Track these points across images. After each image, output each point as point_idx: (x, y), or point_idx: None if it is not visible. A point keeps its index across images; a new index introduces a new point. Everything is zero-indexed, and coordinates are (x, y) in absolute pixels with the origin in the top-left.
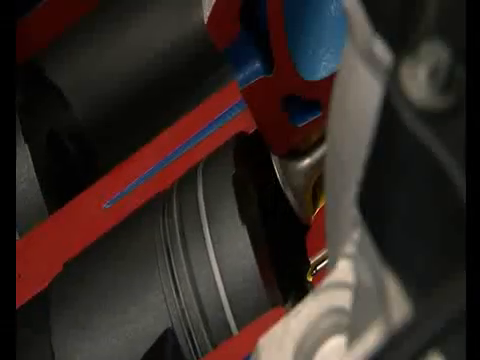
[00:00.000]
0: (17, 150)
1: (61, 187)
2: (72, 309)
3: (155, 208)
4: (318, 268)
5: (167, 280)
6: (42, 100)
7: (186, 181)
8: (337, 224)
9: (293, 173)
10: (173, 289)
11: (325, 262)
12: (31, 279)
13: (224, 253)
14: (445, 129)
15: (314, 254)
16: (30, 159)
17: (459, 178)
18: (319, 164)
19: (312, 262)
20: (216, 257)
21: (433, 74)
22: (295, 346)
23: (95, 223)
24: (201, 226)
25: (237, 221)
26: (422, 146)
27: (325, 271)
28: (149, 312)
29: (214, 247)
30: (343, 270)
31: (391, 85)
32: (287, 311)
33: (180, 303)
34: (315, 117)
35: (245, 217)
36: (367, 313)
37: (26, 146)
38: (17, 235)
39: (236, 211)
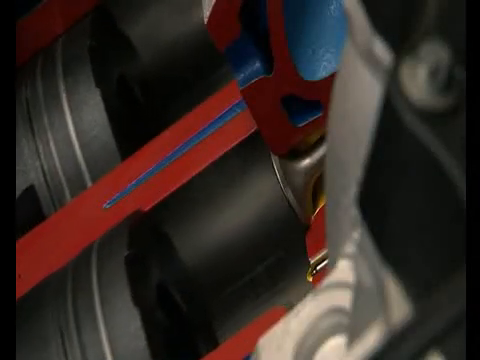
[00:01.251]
0: (88, 95)
1: (132, 132)
2: None
3: (50, 288)
4: (318, 268)
5: None
6: (111, 47)
7: (80, 261)
8: (337, 224)
9: (293, 173)
10: None
11: (325, 262)
12: (31, 279)
13: (116, 334)
14: (445, 129)
15: (314, 254)
16: (102, 104)
17: (459, 178)
18: (319, 164)
19: (312, 262)
20: (108, 338)
21: (433, 74)
22: (295, 346)
23: (95, 223)
24: (93, 308)
25: (129, 303)
26: (422, 146)
27: (325, 271)
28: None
29: (106, 328)
30: (343, 270)
31: (391, 85)
32: (287, 311)
33: None
34: (315, 117)
35: (138, 299)
36: (367, 313)
37: (98, 91)
38: (89, 181)
39: (128, 293)
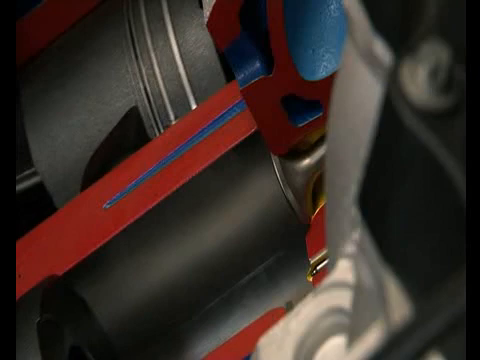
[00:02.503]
0: (192, 15)
1: None
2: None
3: None
4: (318, 268)
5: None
6: None
7: None
8: (337, 224)
9: (293, 173)
10: None
11: (325, 262)
12: (31, 279)
13: None
14: (445, 129)
15: (314, 254)
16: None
17: (459, 178)
18: (319, 164)
19: (312, 262)
20: None
21: (433, 74)
22: (295, 346)
23: (95, 223)
24: None
25: None
26: (422, 146)
27: (325, 271)
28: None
29: None
30: (343, 270)
31: (391, 85)
32: (287, 311)
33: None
34: (315, 117)
35: None
36: (367, 313)
37: (201, 11)
38: (193, 102)
39: (39, 358)
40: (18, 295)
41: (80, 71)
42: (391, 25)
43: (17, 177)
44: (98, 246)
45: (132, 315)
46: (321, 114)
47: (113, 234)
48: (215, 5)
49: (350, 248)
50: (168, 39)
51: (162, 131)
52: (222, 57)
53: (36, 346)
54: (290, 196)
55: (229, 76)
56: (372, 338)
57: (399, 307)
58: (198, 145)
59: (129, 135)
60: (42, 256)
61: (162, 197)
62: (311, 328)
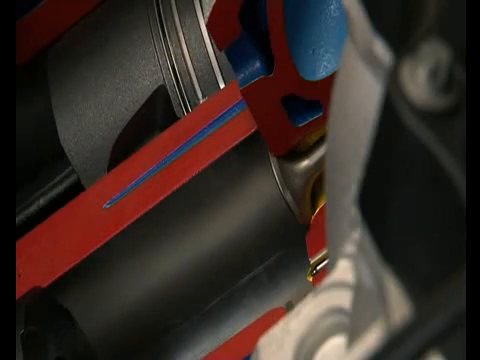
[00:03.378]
0: None
1: None
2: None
3: None
4: (318, 268)
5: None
6: None
7: None
8: (337, 224)
9: (291, 174)
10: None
11: (325, 262)
12: (31, 279)
13: None
14: (445, 129)
15: (314, 254)
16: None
17: (459, 178)
18: (317, 165)
19: (312, 262)
20: None
21: (433, 74)
22: (295, 346)
23: (95, 223)
24: None
25: None
26: (422, 146)
27: (325, 271)
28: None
29: None
30: (343, 270)
31: (391, 85)
32: (287, 311)
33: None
34: (315, 117)
35: None
36: (367, 313)
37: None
38: (222, 82)
39: None
40: (18, 295)
41: (107, 49)
42: (391, 25)
43: (56, 179)
44: (98, 246)
45: (118, 325)
46: (321, 114)
47: (113, 234)
48: (215, 5)
49: (350, 248)
50: (196, 17)
51: (190, 110)
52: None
53: (20, 358)
54: (288, 198)
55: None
56: (372, 338)
57: (399, 307)
58: (198, 145)
59: (157, 114)
60: (42, 256)
61: (162, 197)
62: (311, 328)
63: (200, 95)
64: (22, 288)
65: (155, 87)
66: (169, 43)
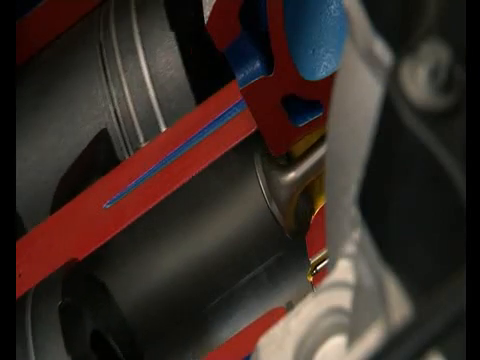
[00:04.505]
0: (163, 37)
1: (208, 74)
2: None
3: None
4: (318, 268)
5: None
6: None
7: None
8: (337, 224)
9: (277, 187)
10: None
11: (325, 262)
12: (31, 279)
13: None
14: (445, 129)
15: (314, 254)
16: (177, 46)
17: (459, 178)
18: (304, 178)
19: (312, 262)
20: None
21: (433, 74)
22: (295, 346)
23: (95, 223)
24: (28, 357)
25: (62, 352)
26: (422, 146)
27: (325, 271)
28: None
29: None
30: (343, 270)
31: (391, 85)
32: (287, 311)
33: None
34: (315, 117)
35: (72, 347)
36: (367, 313)
37: (172, 33)
38: (163, 124)
39: (62, 342)
40: (18, 295)
41: (52, 93)
42: (391, 25)
43: None
44: (98, 246)
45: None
46: (321, 114)
47: (113, 234)
48: (215, 5)
49: (350, 248)
50: (138, 61)
51: (132, 153)
52: (192, 79)
53: (58, 330)
54: (275, 209)
55: (199, 98)
56: (372, 338)
57: (399, 307)
58: (198, 145)
59: (99, 157)
60: (42, 256)
61: (162, 197)
62: (311, 328)
63: (141, 138)
64: (22, 288)
65: (98, 131)
66: (112, 87)
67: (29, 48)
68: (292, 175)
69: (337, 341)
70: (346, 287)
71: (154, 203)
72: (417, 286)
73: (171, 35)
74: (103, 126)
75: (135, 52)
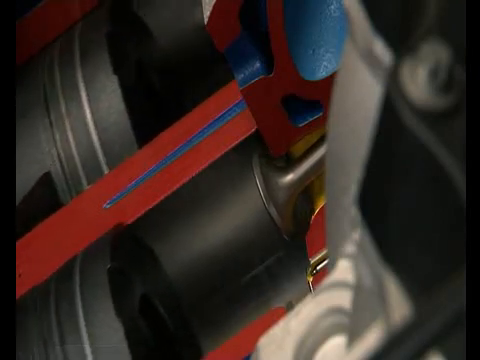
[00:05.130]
0: (106, 82)
1: (150, 118)
2: None
3: (32, 301)
4: (318, 268)
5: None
6: (129, 33)
7: (63, 274)
8: (337, 224)
9: (275, 189)
10: None
11: (325, 262)
12: (31, 279)
13: (99, 346)
14: (445, 129)
15: (314, 254)
16: (119, 90)
17: (459, 178)
18: (301, 180)
19: (312, 262)
20: (91, 350)
21: (433, 74)
22: (295, 346)
23: (95, 223)
24: (77, 320)
25: (112, 315)
26: (422, 146)
27: (325, 271)
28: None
29: (89, 340)
30: (343, 270)
31: (391, 85)
32: (287, 311)
33: None
34: (315, 117)
35: (121, 310)
36: (367, 313)
37: (115, 77)
38: (106, 168)
39: (111, 305)
40: (18, 295)
41: None
42: (391, 25)
43: None
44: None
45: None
46: (321, 114)
47: (161, 198)
48: (215, 5)
49: (350, 248)
50: (81, 105)
51: (74, 196)
52: (134, 122)
53: (107, 293)
54: (273, 211)
55: (141, 141)
56: (372, 338)
57: (399, 307)
58: (198, 145)
59: (42, 200)
60: (42, 256)
61: (162, 197)
62: (311, 328)
63: (84, 182)
64: (22, 288)
65: (41, 174)
66: (55, 131)
67: (29, 48)
68: (290, 177)
69: (337, 341)
70: (346, 287)
71: (154, 203)
72: (417, 286)
73: (114, 79)
74: (46, 169)
75: (78, 96)
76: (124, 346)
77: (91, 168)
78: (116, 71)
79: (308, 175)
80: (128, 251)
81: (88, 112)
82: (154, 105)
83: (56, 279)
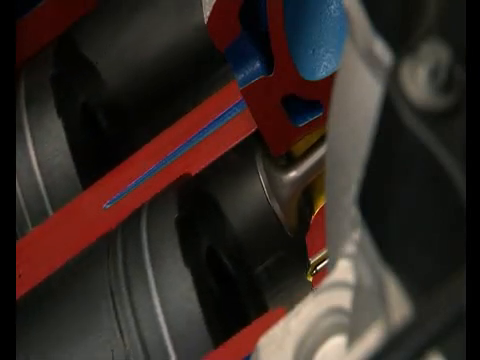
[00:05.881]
0: (51, 125)
1: (96, 161)
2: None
3: (100, 250)
4: (318, 268)
5: (112, 323)
6: (75, 74)
7: (130, 223)
8: (337, 224)
9: (279, 185)
10: (118, 332)
11: (325, 262)
12: (31, 279)
13: (168, 296)
14: (445, 129)
15: (314, 254)
16: (64, 133)
17: (459, 178)
18: (305, 176)
19: (312, 262)
20: (160, 300)
21: (433, 74)
22: (295, 346)
23: (95, 223)
24: (145, 270)
25: (181, 264)
26: (422, 146)
27: (325, 271)
28: (94, 354)
29: (158, 290)
30: (343, 270)
31: (391, 85)
32: (287, 311)
33: (124, 345)
34: (315, 117)
35: (189, 259)
36: (367, 313)
37: (60, 121)
38: (50, 210)
39: (179, 254)
40: (18, 295)
41: None
42: (391, 25)
43: None
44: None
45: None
46: (321, 114)
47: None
48: (215, 5)
49: (350, 248)
50: (27, 149)
51: (20, 238)
52: (78, 165)
53: (176, 242)
54: (276, 208)
55: (85, 183)
56: (372, 338)
57: (399, 307)
58: (198, 145)
59: None
60: (42, 256)
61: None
62: (311, 328)
63: (29, 223)
64: (22, 288)
65: None
66: None
67: (29, 48)
68: (293, 174)
69: (337, 341)
70: (346, 287)
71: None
72: (417, 286)
73: (59, 122)
74: None
75: (23, 138)
76: (193, 294)
77: (35, 210)
78: (61, 114)
79: (311, 172)
80: (195, 202)
81: (33, 154)
82: (101, 146)
83: (122, 230)
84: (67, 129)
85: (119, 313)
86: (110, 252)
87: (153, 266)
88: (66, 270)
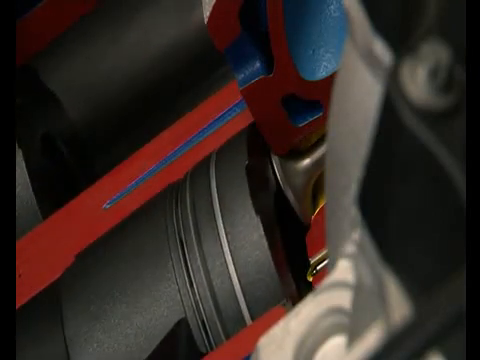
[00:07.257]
0: None
1: (56, 191)
2: (84, 300)
3: (167, 199)
4: (318, 268)
5: (181, 271)
6: (36, 103)
7: (199, 172)
8: (337, 224)
9: (293, 173)
10: (187, 280)
11: (325, 262)
12: (31, 279)
13: (238, 244)
14: (445, 129)
15: (314, 254)
16: (24, 164)
17: (459, 178)
18: (319, 164)
19: (312, 262)
20: (230, 248)
21: (433, 74)
22: (295, 346)
23: (95, 223)
24: (214, 217)
25: (251, 212)
26: (422, 146)
27: (325, 271)
28: (162, 303)
29: (227, 238)
30: (343, 270)
31: (391, 85)
32: (287, 311)
33: (194, 294)
34: (315, 117)
35: (259, 208)
36: (367, 313)
37: (20, 151)
38: None
39: (250, 202)
40: (18, 295)
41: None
42: (391, 25)
43: None
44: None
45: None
46: (321, 114)
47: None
48: (215, 5)
49: (350, 248)
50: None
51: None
52: (39, 195)
53: (246, 190)
54: (290, 196)
55: (45, 213)
56: (372, 338)
57: (399, 307)
58: (198, 145)
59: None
60: (42, 256)
61: None
62: (311, 328)
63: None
64: (22, 288)
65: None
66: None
67: (29, 48)
68: (307, 161)
69: (337, 341)
70: (346, 287)
71: None
72: (417, 286)
73: (19, 153)
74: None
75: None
76: (263, 242)
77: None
78: (21, 144)
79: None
80: (263, 150)
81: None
82: (61, 176)
83: (191, 177)
84: (27, 159)
85: (189, 262)
86: (179, 201)
87: (223, 215)
88: (132, 220)
